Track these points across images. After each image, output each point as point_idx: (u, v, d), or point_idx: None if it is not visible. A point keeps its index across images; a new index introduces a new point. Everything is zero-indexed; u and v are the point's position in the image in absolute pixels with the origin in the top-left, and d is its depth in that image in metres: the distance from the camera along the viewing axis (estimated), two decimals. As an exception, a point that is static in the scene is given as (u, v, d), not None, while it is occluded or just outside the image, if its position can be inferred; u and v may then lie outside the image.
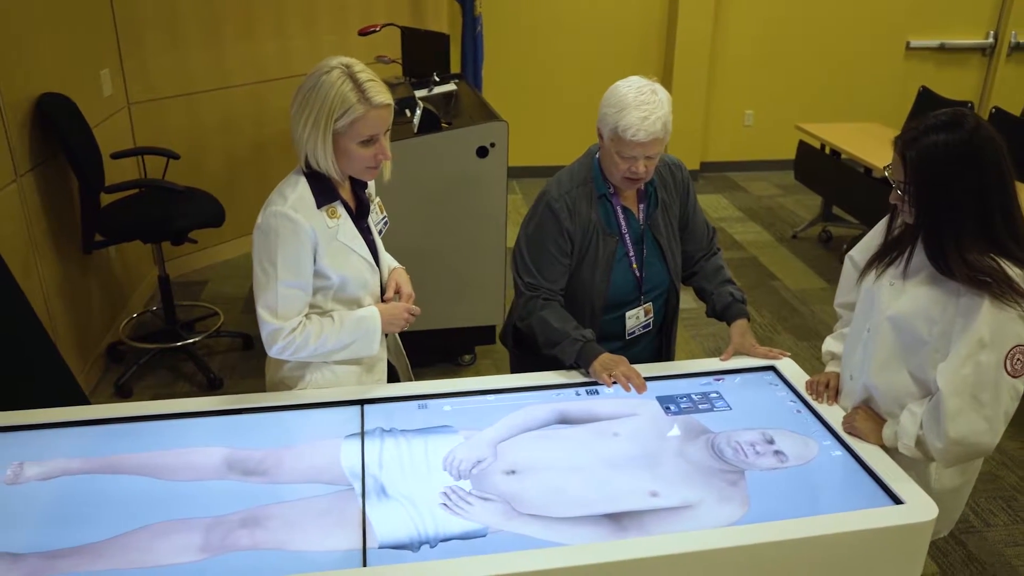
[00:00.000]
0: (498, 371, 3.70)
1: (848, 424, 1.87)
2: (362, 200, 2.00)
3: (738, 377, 2.12)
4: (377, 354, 2.07)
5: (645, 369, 2.09)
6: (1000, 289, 1.58)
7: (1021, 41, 6.92)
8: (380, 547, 1.51)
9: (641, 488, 1.68)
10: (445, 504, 1.63)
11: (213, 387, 3.62)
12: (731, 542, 1.53)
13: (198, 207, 3.62)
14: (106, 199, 3.52)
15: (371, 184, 2.07)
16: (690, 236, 2.35)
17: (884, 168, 1.76)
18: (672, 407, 1.98)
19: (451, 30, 5.69)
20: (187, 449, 1.80)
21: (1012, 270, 1.60)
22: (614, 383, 2.03)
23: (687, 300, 2.49)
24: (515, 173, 6.32)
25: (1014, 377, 1.62)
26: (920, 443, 1.71)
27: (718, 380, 2.10)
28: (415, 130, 3.28)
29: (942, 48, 6.95)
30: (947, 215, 1.62)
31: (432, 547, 1.51)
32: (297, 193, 1.85)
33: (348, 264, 1.93)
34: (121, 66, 4.19)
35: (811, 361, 3.86)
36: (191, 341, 3.81)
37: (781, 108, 6.84)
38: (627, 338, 2.31)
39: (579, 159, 2.24)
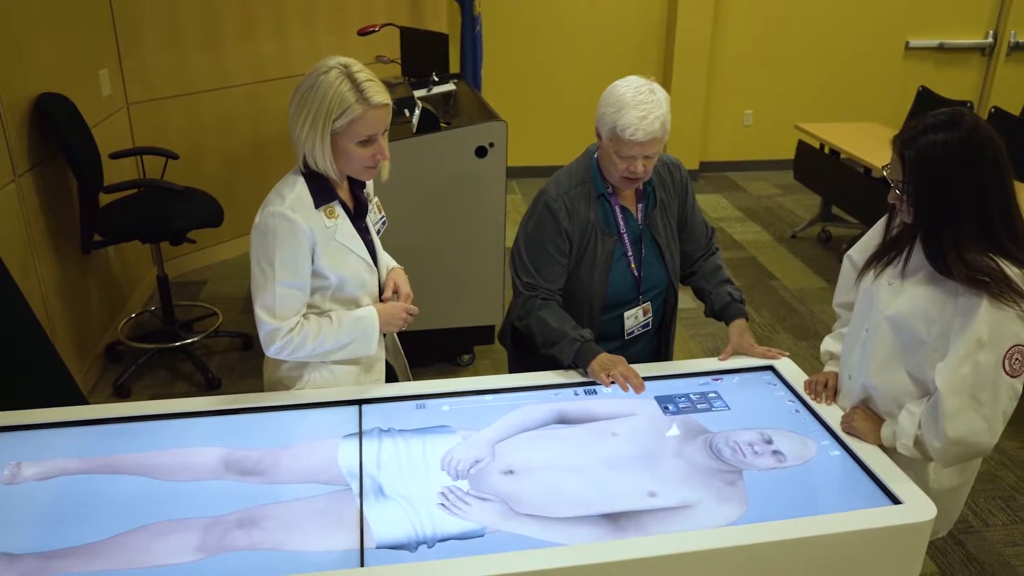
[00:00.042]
0: (497, 371, 3.70)
1: (847, 424, 1.86)
2: (360, 200, 2.00)
3: (736, 377, 2.12)
4: (375, 354, 2.07)
5: (643, 369, 2.09)
6: (999, 289, 1.58)
7: (1020, 41, 6.92)
8: (378, 547, 1.51)
9: (639, 488, 1.68)
10: (443, 504, 1.62)
11: (212, 387, 3.62)
12: (729, 542, 1.53)
13: (197, 207, 3.62)
14: (105, 199, 3.52)
15: (369, 184, 2.07)
16: (689, 236, 2.34)
17: (883, 168, 1.76)
18: (670, 407, 1.97)
19: (450, 30, 5.68)
20: (184, 449, 1.80)
21: (1011, 270, 1.60)
22: (612, 383, 2.03)
23: (686, 300, 2.49)
24: (514, 173, 6.33)
25: (1012, 377, 1.62)
26: (918, 443, 1.71)
27: (716, 380, 2.10)
28: (414, 130, 3.28)
29: (941, 48, 6.95)
30: (946, 215, 1.62)
31: (430, 547, 1.51)
32: (295, 193, 1.85)
33: (346, 264, 1.93)
34: (120, 66, 4.19)
35: (810, 361, 3.86)
36: (190, 341, 3.81)
37: (780, 108, 6.84)
38: (626, 338, 2.30)
39: (577, 159, 2.24)
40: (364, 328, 1.97)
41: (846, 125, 5.51)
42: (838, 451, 1.82)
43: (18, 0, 3.15)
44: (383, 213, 2.17)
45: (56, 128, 3.30)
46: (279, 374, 2.03)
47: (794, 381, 2.07)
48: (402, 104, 3.49)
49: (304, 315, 1.91)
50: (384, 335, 2.15)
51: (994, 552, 2.74)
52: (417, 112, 3.30)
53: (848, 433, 1.85)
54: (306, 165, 1.86)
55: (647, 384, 2.03)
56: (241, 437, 1.84)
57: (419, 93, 3.82)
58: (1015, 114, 5.20)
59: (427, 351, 3.75)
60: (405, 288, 2.11)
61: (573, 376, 2.10)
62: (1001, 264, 1.60)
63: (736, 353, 2.19)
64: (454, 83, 4.18)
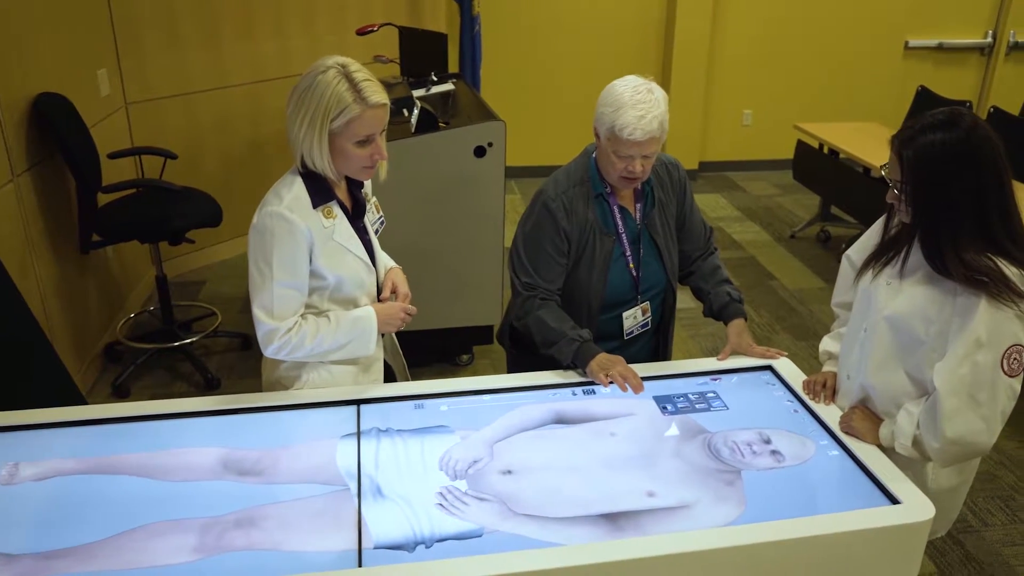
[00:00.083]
0: (495, 371, 3.70)
1: (845, 424, 1.86)
2: (358, 200, 2.00)
3: (735, 377, 2.12)
4: (373, 354, 2.06)
5: (642, 369, 2.09)
6: (997, 289, 1.58)
7: (1019, 40, 6.92)
8: (375, 547, 1.51)
9: (638, 488, 1.68)
10: (441, 504, 1.62)
11: (210, 387, 3.62)
12: (728, 542, 1.53)
13: (195, 207, 3.62)
14: (103, 199, 3.51)
15: (367, 184, 2.07)
16: (687, 235, 2.34)
17: (881, 167, 1.75)
18: (669, 407, 1.97)
19: (449, 30, 5.68)
20: (183, 449, 1.79)
21: (1009, 269, 1.60)
22: (611, 383, 2.03)
23: (685, 300, 2.49)
24: (514, 173, 6.34)
25: (1011, 376, 1.62)
26: (917, 443, 1.71)
27: (715, 380, 2.10)
28: (413, 130, 3.27)
29: (940, 48, 6.95)
30: (944, 214, 1.62)
31: (428, 547, 1.51)
32: (293, 193, 1.85)
33: (344, 264, 1.93)
34: (119, 66, 4.19)
35: (809, 361, 3.86)
36: (188, 341, 3.81)
37: (779, 108, 6.83)
38: (625, 338, 2.30)
39: (576, 159, 2.24)
40: (362, 328, 1.97)
41: (845, 125, 5.51)
42: (836, 451, 1.82)
43: (17, 0, 3.14)
44: (381, 213, 2.17)
45: (54, 128, 3.29)
46: (277, 374, 2.03)
47: (793, 381, 2.07)
48: (401, 104, 3.48)
49: (302, 315, 1.91)
50: (382, 335, 2.15)
51: (993, 552, 2.74)
52: (416, 112, 3.30)
53: (847, 433, 1.85)
54: (304, 165, 1.86)
55: (646, 384, 2.03)
56: (239, 437, 1.84)
57: (418, 93, 3.82)
58: (1014, 114, 5.20)
59: (426, 351, 3.75)
60: (403, 288, 2.11)
61: (572, 376, 2.10)
62: (999, 264, 1.60)
63: (735, 353, 2.19)
64: (453, 83, 4.18)
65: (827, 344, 2.09)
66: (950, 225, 1.62)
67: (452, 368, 3.83)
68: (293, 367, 2.00)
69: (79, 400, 2.79)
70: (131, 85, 4.28)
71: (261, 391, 2.06)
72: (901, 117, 5.42)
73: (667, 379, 2.09)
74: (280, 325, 1.86)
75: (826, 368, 2.06)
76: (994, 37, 6.95)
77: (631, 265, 2.22)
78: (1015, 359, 1.61)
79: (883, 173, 1.73)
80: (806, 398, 1.99)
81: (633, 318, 2.28)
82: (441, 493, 1.65)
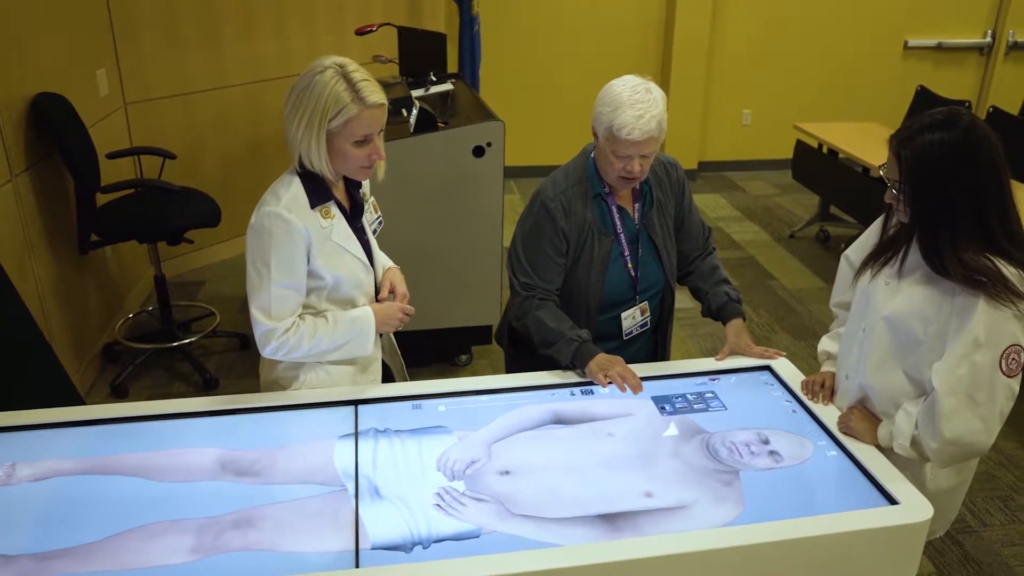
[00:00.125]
0: (494, 371, 3.70)
1: (843, 424, 1.86)
2: (356, 200, 1.99)
3: (733, 377, 2.12)
4: (371, 354, 2.06)
5: (640, 369, 2.09)
6: (995, 289, 1.58)
7: (1019, 40, 6.92)
8: (373, 548, 1.51)
9: (636, 488, 1.68)
10: (439, 505, 1.62)
11: (209, 387, 3.61)
12: (726, 543, 1.53)
13: (194, 207, 3.62)
14: (102, 199, 3.51)
15: (365, 184, 2.07)
16: (685, 235, 2.34)
17: (879, 167, 1.75)
18: (667, 407, 1.97)
19: (448, 30, 5.68)
20: (180, 450, 1.79)
21: (1008, 269, 1.60)
22: (610, 383, 2.02)
23: (684, 299, 2.49)
24: (513, 173, 6.34)
25: (1009, 377, 1.61)
26: (915, 443, 1.71)
27: (713, 380, 2.10)
28: (411, 130, 3.27)
29: (940, 47, 6.95)
30: (942, 214, 1.62)
31: (425, 548, 1.51)
32: (291, 193, 1.84)
33: (342, 264, 1.93)
34: (117, 66, 4.18)
35: (808, 361, 3.86)
36: (187, 341, 3.81)
37: (779, 108, 6.83)
38: (624, 338, 2.30)
39: (574, 158, 2.24)
40: (360, 328, 1.97)
41: (844, 125, 5.51)
42: (835, 451, 1.81)
43: (16, 0, 3.14)
44: (379, 213, 2.16)
45: (53, 128, 3.29)
46: (275, 374, 2.03)
47: (791, 381, 2.06)
48: (400, 104, 3.48)
49: (300, 315, 1.91)
50: (380, 335, 2.14)
51: (992, 552, 2.74)
52: (415, 112, 3.29)
53: (845, 433, 1.85)
54: (302, 165, 1.86)
55: (644, 384, 2.03)
56: (237, 437, 1.84)
57: (417, 93, 3.82)
58: (1013, 113, 5.20)
59: (425, 351, 3.75)
60: (401, 288, 2.11)
61: (570, 376, 2.10)
62: (998, 264, 1.60)
63: (733, 353, 2.19)
64: (452, 83, 4.18)
65: (826, 344, 2.09)
66: (948, 225, 1.62)
67: (451, 368, 3.82)
68: (291, 367, 2.00)
69: (77, 400, 2.79)
70: (130, 85, 4.27)
71: (259, 391, 2.06)
72: (900, 117, 5.42)
73: (665, 379, 2.09)
74: (278, 325, 1.86)
75: (825, 368, 2.06)
76: (993, 37, 6.95)
77: (629, 265, 2.22)
78: (1013, 359, 1.61)
79: (881, 173, 1.73)
80: (804, 398, 1.99)
81: (632, 318, 2.28)
82: (439, 494, 1.65)
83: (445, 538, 1.53)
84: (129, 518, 1.58)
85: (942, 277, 1.65)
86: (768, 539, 1.53)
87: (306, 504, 1.63)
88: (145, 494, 1.65)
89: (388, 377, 2.25)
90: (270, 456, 1.77)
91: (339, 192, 1.95)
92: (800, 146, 5.59)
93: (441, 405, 1.97)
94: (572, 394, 2.03)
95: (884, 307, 1.76)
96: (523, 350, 2.32)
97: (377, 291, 2.09)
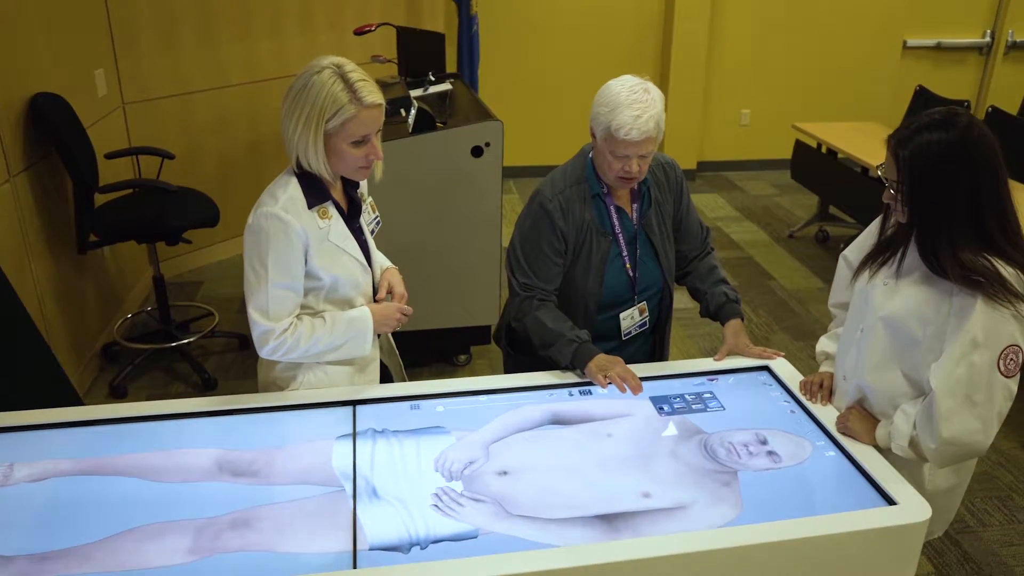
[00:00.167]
0: (493, 371, 3.70)
1: (842, 424, 1.86)
2: (354, 200, 1.99)
3: (732, 377, 2.11)
4: (369, 354, 2.06)
5: (639, 369, 2.08)
6: (994, 289, 1.58)
7: (1018, 40, 6.92)
8: (370, 549, 1.51)
9: (634, 489, 1.68)
10: (436, 505, 1.62)
11: (208, 387, 3.61)
12: (724, 543, 1.53)
13: (193, 207, 3.62)
14: (100, 199, 3.51)
15: (363, 184, 2.07)
16: (684, 235, 2.34)
17: (877, 167, 1.75)
18: (665, 407, 1.97)
19: (447, 30, 5.68)
20: (178, 450, 1.79)
21: (1006, 270, 1.60)
22: (609, 384, 2.02)
23: (683, 299, 2.49)
24: (512, 173, 6.34)
25: (1007, 377, 1.61)
26: (913, 443, 1.71)
27: (712, 380, 2.10)
28: (410, 130, 3.27)
29: (939, 47, 6.95)
30: (940, 214, 1.62)
31: (423, 549, 1.51)
32: (288, 194, 1.84)
33: (339, 265, 1.93)
34: (116, 66, 4.18)
35: (807, 361, 3.86)
36: (186, 341, 3.81)
37: (777, 107, 6.83)
38: (623, 338, 2.30)
39: (572, 159, 2.23)
40: (358, 329, 1.96)
41: (843, 124, 5.51)
42: (833, 452, 1.81)
43: (14, 0, 3.14)
44: (377, 213, 2.16)
45: (51, 128, 3.29)
46: (273, 375, 2.03)
47: (789, 381, 2.06)
48: (398, 104, 3.48)
49: (298, 316, 1.91)
50: (378, 335, 2.14)
51: (991, 552, 2.74)
52: (413, 112, 3.29)
53: (843, 434, 1.84)
54: (299, 165, 1.85)
55: (642, 384, 2.02)
56: (235, 438, 1.84)
57: (415, 93, 3.81)
58: (1012, 113, 5.20)
59: (424, 351, 3.75)
60: (399, 288, 2.11)
61: (568, 377, 2.09)
62: (996, 264, 1.60)
63: (731, 353, 2.19)
64: (450, 83, 4.18)
65: (824, 344, 2.09)
66: (946, 225, 1.61)
67: (450, 368, 3.82)
68: (289, 368, 2.00)
69: (75, 401, 2.78)
70: (128, 85, 4.27)
71: (258, 392, 2.05)
72: (899, 117, 5.42)
73: (664, 380, 2.09)
74: (276, 326, 1.86)
75: (823, 368, 2.06)
76: (992, 37, 6.95)
77: (628, 265, 2.22)
78: (1011, 359, 1.61)
79: (879, 173, 1.73)
80: (803, 398, 1.99)
81: (630, 318, 2.28)
82: (436, 494, 1.65)
83: (443, 539, 1.53)
84: (127, 519, 1.58)
85: (940, 277, 1.65)
86: (766, 540, 1.53)
87: (304, 505, 1.62)
88: (143, 495, 1.65)
89: (386, 377, 2.24)
90: (268, 456, 1.77)
91: (337, 192, 1.95)
92: (799, 146, 5.59)
93: (439, 405, 1.97)
94: (570, 394, 2.03)
95: (882, 307, 1.76)
96: (521, 350, 2.32)
97: (375, 291, 2.09)
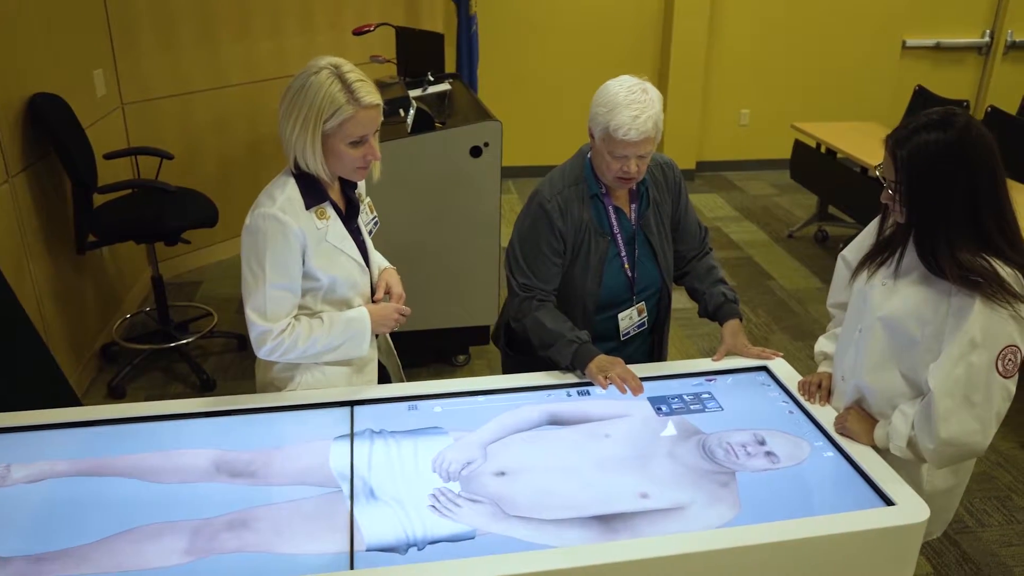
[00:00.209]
0: (492, 371, 3.70)
1: (840, 425, 1.86)
2: (352, 201, 1.99)
3: (730, 378, 2.11)
4: (367, 355, 2.06)
5: (637, 369, 2.08)
6: (992, 289, 1.57)
7: (1017, 40, 6.92)
8: (367, 550, 1.50)
9: (631, 490, 1.67)
10: (434, 506, 1.62)
11: (206, 388, 3.61)
12: (722, 544, 1.52)
13: (192, 207, 3.62)
14: (99, 199, 3.51)
15: (361, 184, 2.07)
16: (682, 236, 2.34)
17: (875, 167, 1.75)
18: (664, 408, 1.97)
19: (446, 30, 5.68)
20: (175, 451, 1.79)
21: (1004, 270, 1.60)
22: (609, 385, 2.02)
23: (682, 299, 2.48)
24: (511, 173, 6.34)
25: (1006, 377, 1.61)
26: (912, 444, 1.71)
27: (710, 381, 2.10)
28: (409, 130, 3.27)
29: (938, 47, 6.95)
30: (938, 214, 1.61)
31: (420, 549, 1.50)
32: (285, 194, 1.84)
33: (337, 265, 1.92)
34: (115, 66, 4.18)
35: (806, 361, 3.86)
36: (184, 342, 3.80)
37: (777, 107, 6.83)
38: (622, 339, 2.30)
39: (571, 159, 2.23)
40: (356, 329, 1.96)
41: (842, 124, 5.51)
42: (831, 452, 1.81)
43: (13, 0, 3.14)
44: (375, 214, 2.16)
45: (50, 128, 3.29)
46: (271, 375, 2.02)
47: (788, 382, 2.06)
48: (397, 104, 3.48)
49: (295, 316, 1.91)
50: (376, 336, 2.14)
51: (989, 552, 2.73)
52: (412, 112, 3.29)
53: (841, 434, 1.84)
54: (297, 166, 1.85)
55: (640, 385, 2.03)
56: (232, 439, 1.83)
57: (414, 93, 3.81)
58: (1012, 113, 5.20)
59: (423, 351, 3.74)
60: (397, 288, 2.11)
61: (566, 377, 2.09)
62: (994, 264, 1.60)
63: (730, 354, 2.19)
64: (449, 83, 4.18)
65: (822, 345, 2.09)
66: (944, 225, 1.61)
67: (449, 368, 3.82)
68: (286, 368, 2.00)
69: (74, 401, 2.78)
70: (127, 85, 4.27)
71: (256, 392, 2.05)
72: (899, 116, 5.41)
73: (662, 380, 2.09)
74: (273, 327, 1.85)
75: (821, 369, 2.05)
76: (992, 36, 6.95)
77: (626, 266, 2.22)
78: (1010, 360, 1.61)
79: (877, 173, 1.72)
80: (801, 399, 1.99)
81: (629, 319, 2.28)
82: (434, 495, 1.65)
83: (440, 539, 1.53)
84: (124, 520, 1.58)
85: (938, 278, 1.64)
86: (764, 540, 1.53)
87: (301, 505, 1.62)
88: (140, 495, 1.65)
89: (384, 378, 2.24)
90: (265, 457, 1.77)
91: (334, 193, 1.95)
92: (798, 146, 5.59)
93: (437, 406, 1.97)
94: (568, 395, 2.03)
95: (880, 308, 1.76)
96: (519, 351, 2.32)
97: (373, 292, 2.09)
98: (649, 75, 2.06)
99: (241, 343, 3.96)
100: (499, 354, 2.52)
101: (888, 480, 1.68)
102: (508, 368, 2.42)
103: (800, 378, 2.06)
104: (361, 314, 1.98)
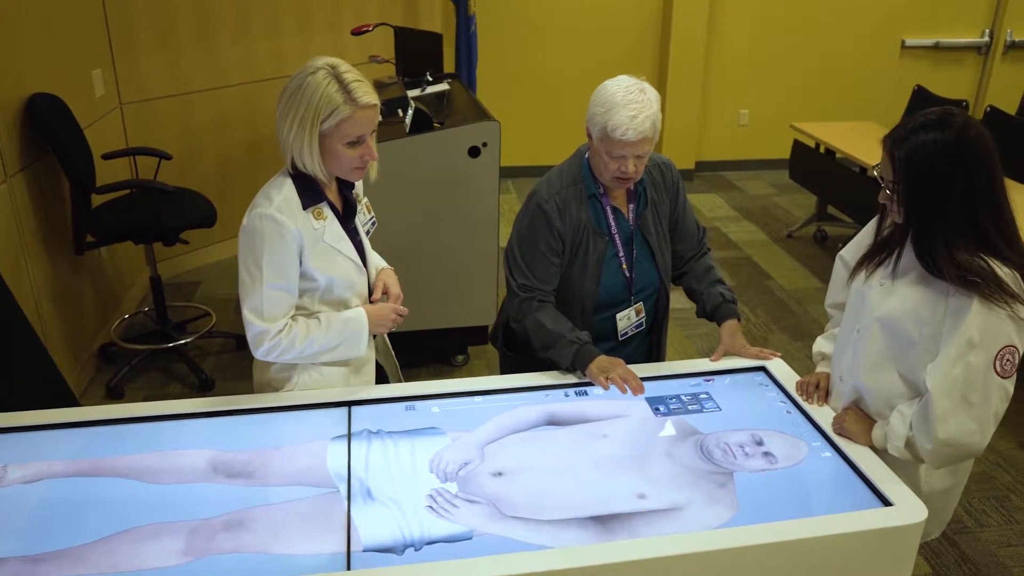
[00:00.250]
0: (491, 371, 3.69)
1: (838, 425, 1.86)
2: (349, 201, 1.99)
3: (728, 378, 2.11)
4: (365, 355, 2.06)
5: (635, 369, 2.08)
6: (990, 289, 1.57)
7: (1016, 39, 6.92)
8: (364, 550, 1.50)
9: (629, 490, 1.67)
10: (431, 507, 1.62)
11: (205, 388, 3.61)
12: (719, 544, 1.52)
13: (190, 208, 3.61)
14: (97, 200, 3.51)
15: (358, 185, 2.06)
16: (680, 236, 2.33)
17: (873, 167, 1.75)
18: (662, 408, 1.97)
19: (445, 30, 5.68)
20: (172, 451, 1.79)
21: (1002, 270, 1.59)
22: (610, 384, 2.02)
23: (681, 299, 2.48)
24: (511, 173, 6.34)
25: (1003, 378, 1.61)
26: (910, 444, 1.70)
27: (708, 381, 2.09)
28: (407, 130, 3.27)
29: (937, 47, 6.95)
30: (935, 214, 1.61)
31: (417, 550, 1.50)
32: (282, 195, 1.84)
33: (334, 265, 1.92)
34: (113, 66, 4.17)
35: (805, 361, 3.85)
36: (183, 342, 3.80)
37: (776, 107, 6.83)
38: (620, 339, 2.30)
39: (568, 159, 2.23)
40: (353, 330, 1.96)
41: (842, 124, 5.50)
42: (829, 452, 1.81)
43: (12, 0, 3.13)
44: (372, 214, 2.16)
45: (48, 129, 3.29)
46: (269, 375, 2.02)
47: (786, 382, 2.06)
48: (395, 104, 3.48)
49: (293, 317, 1.90)
50: (374, 336, 2.14)
51: (988, 553, 2.73)
52: (410, 112, 3.29)
53: (839, 434, 1.84)
54: (294, 166, 1.85)
55: (639, 385, 2.02)
56: (230, 439, 1.83)
57: (413, 93, 3.81)
58: (1011, 113, 5.19)
59: (421, 352, 3.74)
60: (395, 289, 2.11)
61: (564, 377, 2.09)
62: (992, 264, 1.59)
63: (728, 354, 2.18)
64: (448, 83, 4.17)
65: (820, 345, 2.08)
66: (942, 225, 1.61)
67: (447, 368, 3.82)
68: (284, 368, 1.99)
69: (72, 402, 2.78)
70: (126, 86, 4.26)
71: (253, 392, 2.05)
72: (898, 116, 5.37)
73: (660, 380, 2.09)
74: (270, 327, 1.85)
75: (819, 369, 2.05)
76: (991, 36, 6.95)
77: (624, 266, 2.22)
78: (1008, 360, 1.60)
79: (875, 173, 1.72)
80: (799, 399, 1.99)
81: (627, 319, 2.28)
82: (431, 495, 1.65)
83: (437, 540, 1.53)
84: (120, 520, 1.57)
85: (936, 278, 1.64)
86: (762, 541, 1.53)
87: (298, 506, 1.62)
88: (137, 496, 1.65)
89: (382, 378, 2.24)
90: (262, 458, 1.77)
91: (332, 193, 1.95)
92: (797, 146, 5.59)
93: (435, 406, 1.96)
94: (566, 395, 2.03)
95: (878, 308, 1.76)
96: (517, 351, 2.31)
97: (371, 292, 2.09)
98: (648, 75, 2.06)
99: (239, 343, 3.96)
100: (497, 354, 2.52)
101: (886, 480, 1.68)
102: (506, 368, 2.42)
103: (798, 378, 2.06)
104: (358, 314, 1.98)
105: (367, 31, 4.27)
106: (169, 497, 1.65)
